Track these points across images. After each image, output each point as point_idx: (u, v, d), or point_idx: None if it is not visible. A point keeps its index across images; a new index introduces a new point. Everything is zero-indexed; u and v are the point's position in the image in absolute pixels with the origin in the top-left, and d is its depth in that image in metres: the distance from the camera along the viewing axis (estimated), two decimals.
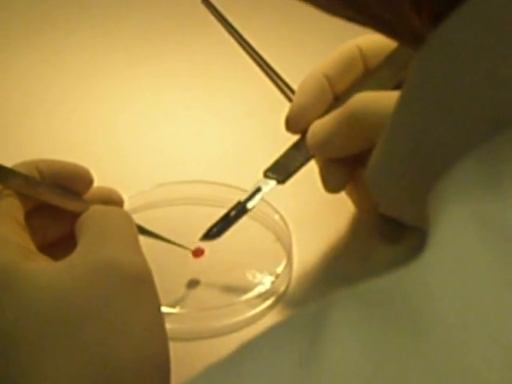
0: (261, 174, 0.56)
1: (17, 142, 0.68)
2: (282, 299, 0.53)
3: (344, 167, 0.55)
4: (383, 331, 0.21)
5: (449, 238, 0.23)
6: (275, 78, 0.75)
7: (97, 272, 0.40)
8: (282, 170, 0.56)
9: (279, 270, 0.54)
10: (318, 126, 0.54)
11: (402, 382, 0.20)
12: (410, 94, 0.30)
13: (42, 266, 0.41)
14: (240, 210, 0.55)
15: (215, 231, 0.54)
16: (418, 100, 0.29)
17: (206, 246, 0.54)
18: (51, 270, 0.40)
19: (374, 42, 0.56)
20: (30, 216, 0.45)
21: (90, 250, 0.41)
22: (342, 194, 0.57)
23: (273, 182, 0.56)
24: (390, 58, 0.55)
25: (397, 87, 0.55)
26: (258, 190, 0.55)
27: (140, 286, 0.40)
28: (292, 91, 0.72)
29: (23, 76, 0.76)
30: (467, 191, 0.24)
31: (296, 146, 0.56)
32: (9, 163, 0.46)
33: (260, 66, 0.77)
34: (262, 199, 0.56)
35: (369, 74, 0.56)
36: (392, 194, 0.34)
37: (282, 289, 0.54)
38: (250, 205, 0.55)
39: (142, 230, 0.50)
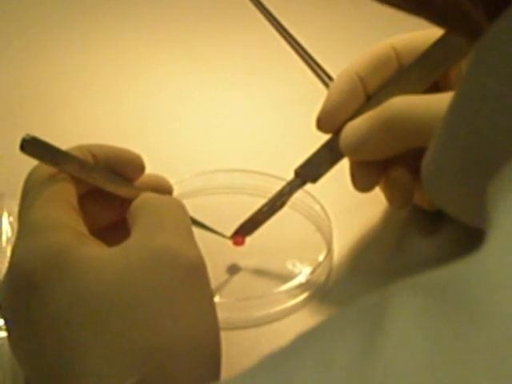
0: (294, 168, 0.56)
1: (69, 126, 0.68)
2: (321, 289, 0.53)
3: (375, 168, 0.54)
4: (444, 321, 0.21)
5: (510, 230, 0.23)
6: (314, 65, 0.74)
7: (153, 259, 0.40)
8: (313, 170, 0.55)
9: (319, 260, 0.54)
10: (352, 129, 0.54)
11: (463, 371, 0.20)
12: (467, 88, 0.30)
13: (97, 251, 0.41)
14: (271, 207, 0.55)
15: (246, 229, 0.54)
16: (477, 93, 0.29)
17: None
18: (106, 255, 0.40)
19: (408, 41, 0.56)
20: (80, 201, 0.45)
21: (146, 237, 0.41)
22: None
23: (303, 181, 0.55)
24: (423, 58, 0.54)
25: (431, 87, 0.54)
26: (290, 188, 0.55)
27: (194, 274, 0.40)
28: (331, 79, 0.72)
29: (68, 63, 0.77)
30: None
31: (328, 145, 0.55)
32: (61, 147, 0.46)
33: (299, 54, 0.77)
34: (302, 190, 0.56)
35: (401, 74, 0.55)
36: (449, 191, 0.33)
37: (322, 279, 0.53)
38: (281, 203, 0.55)
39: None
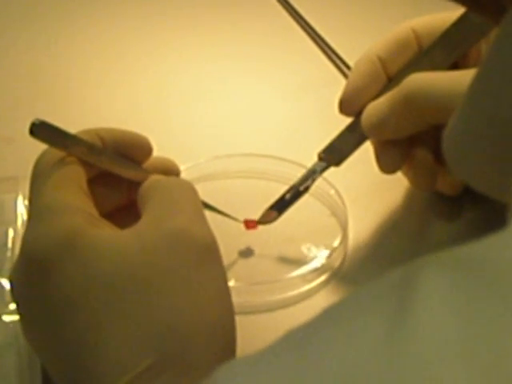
0: (315, 149, 0.56)
1: (77, 110, 0.68)
2: (336, 274, 0.53)
3: (399, 148, 0.54)
4: (473, 296, 0.21)
5: None
6: (330, 53, 0.74)
7: (166, 241, 0.40)
8: (336, 153, 0.55)
9: (334, 244, 0.54)
10: (373, 108, 0.54)
11: (493, 347, 0.20)
12: (491, 65, 0.29)
13: (109, 233, 0.41)
14: (295, 192, 0.54)
15: (271, 215, 0.54)
16: (502, 70, 0.28)
17: None
18: (118, 237, 0.40)
19: (428, 24, 0.55)
20: (89, 184, 0.45)
21: (158, 218, 0.41)
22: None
23: (327, 165, 0.55)
24: (443, 38, 0.54)
25: (450, 67, 0.54)
26: (313, 172, 0.55)
27: (208, 256, 0.40)
28: (348, 67, 0.71)
29: (82, 48, 0.77)
30: None
31: (350, 128, 0.55)
32: (70, 131, 0.45)
33: (315, 41, 0.76)
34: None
35: (422, 55, 0.55)
36: (473, 164, 0.33)
37: (337, 264, 0.53)
38: (304, 188, 0.55)
39: None
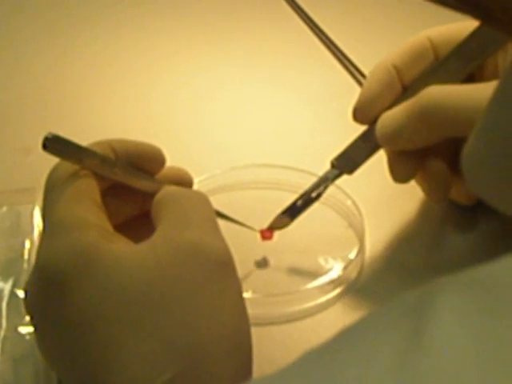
0: (330, 159, 0.55)
1: (91, 121, 0.68)
2: (353, 286, 0.52)
3: (412, 158, 0.54)
4: (489, 319, 0.21)
5: None
6: (346, 62, 0.74)
7: (181, 254, 0.39)
8: (349, 161, 0.55)
9: (351, 256, 0.53)
10: (388, 118, 0.53)
11: (510, 368, 0.20)
12: (510, 82, 0.29)
13: (124, 248, 0.41)
14: (307, 199, 0.54)
15: (282, 221, 0.54)
16: None
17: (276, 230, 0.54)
18: (134, 252, 0.40)
19: (445, 34, 0.55)
20: (102, 196, 0.45)
21: (173, 232, 0.41)
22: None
23: (340, 173, 0.55)
24: (460, 49, 0.54)
25: (466, 79, 0.54)
26: (325, 179, 0.55)
27: (224, 269, 0.40)
28: (363, 76, 0.71)
29: (92, 57, 0.77)
30: None
31: (364, 137, 0.55)
32: (82, 143, 0.46)
33: (331, 50, 0.76)
34: (333, 185, 0.56)
35: (437, 65, 0.55)
36: (491, 181, 0.33)
37: (353, 275, 0.53)
38: (316, 194, 0.54)
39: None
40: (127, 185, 0.47)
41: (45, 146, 0.43)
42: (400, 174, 0.54)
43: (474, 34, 0.53)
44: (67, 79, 0.74)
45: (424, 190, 0.56)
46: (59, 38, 0.80)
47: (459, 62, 0.54)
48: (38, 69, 0.76)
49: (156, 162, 0.48)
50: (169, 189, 0.45)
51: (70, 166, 0.44)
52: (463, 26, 0.54)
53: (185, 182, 0.49)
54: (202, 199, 0.44)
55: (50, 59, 0.77)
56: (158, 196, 0.45)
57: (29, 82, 0.74)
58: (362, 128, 0.55)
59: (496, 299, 0.21)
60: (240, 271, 0.42)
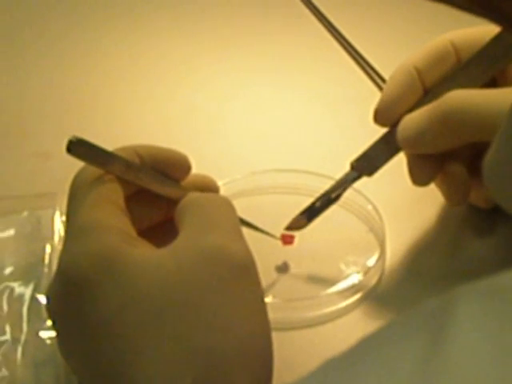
0: (350, 161, 0.55)
1: (118, 127, 0.68)
2: (374, 291, 0.52)
3: (433, 161, 0.53)
4: (509, 328, 0.20)
5: None
6: (366, 66, 0.74)
7: (203, 260, 0.39)
8: (369, 163, 0.55)
9: (372, 261, 0.53)
10: (410, 122, 0.53)
11: None
12: None
13: (146, 253, 0.40)
14: (325, 201, 0.54)
15: (300, 222, 0.54)
16: None
17: (297, 235, 0.54)
18: (156, 257, 0.40)
19: (467, 37, 0.55)
20: (127, 202, 0.45)
21: (195, 237, 0.41)
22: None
23: (359, 174, 0.55)
24: (482, 53, 0.54)
25: (488, 83, 0.53)
26: (345, 181, 0.55)
27: (245, 273, 0.40)
28: (383, 80, 0.71)
29: (111, 63, 0.77)
30: None
31: (384, 139, 0.55)
32: (108, 147, 0.46)
33: (350, 54, 0.76)
34: (354, 189, 0.56)
35: (460, 69, 0.54)
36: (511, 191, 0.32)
37: (374, 280, 0.53)
38: (335, 196, 0.54)
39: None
40: (152, 191, 0.47)
41: (69, 150, 0.43)
42: (420, 177, 0.54)
43: (497, 38, 0.53)
44: (87, 84, 0.74)
45: (443, 192, 0.56)
46: (78, 42, 0.80)
47: (481, 66, 0.54)
48: (56, 74, 0.76)
49: (181, 169, 0.48)
50: (193, 195, 0.45)
51: (94, 171, 0.44)
52: (486, 29, 0.53)
53: (210, 188, 0.49)
54: (226, 204, 0.44)
55: (69, 64, 0.77)
56: (182, 202, 0.44)
57: (48, 87, 0.74)
58: (382, 131, 0.55)
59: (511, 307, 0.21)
60: (261, 276, 0.42)
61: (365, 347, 0.23)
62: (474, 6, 0.29)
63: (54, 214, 0.55)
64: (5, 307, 0.49)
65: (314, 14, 0.82)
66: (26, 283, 0.50)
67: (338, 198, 0.54)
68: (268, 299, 0.50)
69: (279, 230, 0.54)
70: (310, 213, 0.54)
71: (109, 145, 0.46)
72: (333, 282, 0.52)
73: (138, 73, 0.76)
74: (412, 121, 0.53)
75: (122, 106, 0.71)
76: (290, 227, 0.54)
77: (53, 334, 0.46)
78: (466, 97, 0.50)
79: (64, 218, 0.52)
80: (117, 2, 0.87)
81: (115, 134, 0.65)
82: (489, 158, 0.33)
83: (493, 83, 0.54)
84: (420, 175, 0.54)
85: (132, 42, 0.80)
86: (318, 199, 0.54)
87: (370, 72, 0.73)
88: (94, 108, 0.71)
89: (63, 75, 0.76)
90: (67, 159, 0.44)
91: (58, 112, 0.71)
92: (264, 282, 0.42)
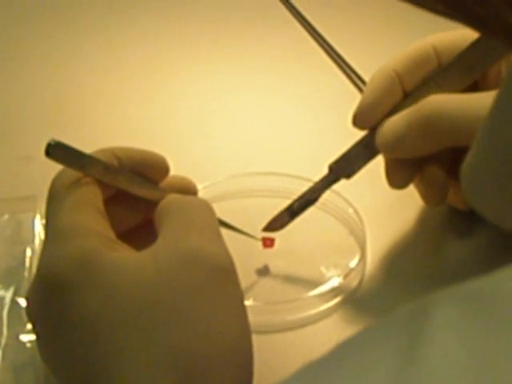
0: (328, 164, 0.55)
1: (99, 129, 0.68)
2: (355, 293, 0.52)
3: (410, 165, 0.54)
4: (487, 332, 0.21)
5: None
6: (347, 69, 0.74)
7: (181, 261, 0.39)
8: (347, 165, 0.55)
9: (352, 264, 0.53)
10: (389, 126, 0.53)
11: (507, 382, 0.19)
12: (508, 97, 0.29)
13: (126, 256, 0.41)
14: (303, 203, 0.54)
15: (277, 223, 0.54)
16: None
17: (278, 238, 0.54)
18: (135, 260, 0.40)
19: (448, 41, 0.55)
20: (106, 204, 0.45)
21: (174, 238, 0.41)
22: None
23: (338, 177, 0.55)
24: (463, 57, 0.54)
25: (470, 87, 0.54)
26: (323, 184, 0.55)
27: (224, 276, 0.40)
28: (364, 83, 0.71)
29: (93, 65, 0.77)
30: None
31: (363, 142, 0.55)
32: (88, 149, 0.46)
33: (331, 57, 0.76)
34: (334, 192, 0.56)
35: (440, 72, 0.54)
36: (490, 197, 0.32)
37: (355, 283, 0.53)
38: (313, 198, 0.54)
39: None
40: (131, 193, 0.47)
41: (48, 153, 0.43)
42: (396, 181, 0.54)
43: (478, 42, 0.53)
44: (68, 87, 0.74)
45: (420, 193, 0.56)
46: (61, 46, 0.80)
47: (462, 70, 0.54)
48: (38, 77, 0.76)
49: (160, 171, 0.48)
50: (172, 197, 0.45)
51: (73, 174, 0.44)
52: (467, 33, 0.53)
53: (189, 190, 0.49)
54: (204, 206, 0.44)
55: (51, 67, 0.77)
56: (161, 204, 0.45)
57: (30, 90, 0.74)
58: (361, 134, 0.55)
59: (494, 314, 0.21)
60: (241, 279, 0.42)
61: (340, 353, 0.23)
62: (449, 10, 0.30)
63: (34, 217, 0.55)
64: None
65: (295, 16, 0.82)
66: (6, 287, 0.50)
67: (315, 200, 0.55)
68: (248, 302, 0.50)
69: (260, 233, 0.54)
70: (288, 214, 0.54)
71: (90, 147, 0.46)
72: (313, 285, 0.52)
73: (120, 75, 0.76)
74: (391, 126, 0.53)
75: (103, 108, 0.71)
76: (267, 228, 0.54)
77: (33, 337, 0.46)
78: (445, 101, 0.50)
79: (44, 221, 0.52)
80: (99, 6, 0.87)
81: (97, 137, 0.65)
82: (466, 163, 0.33)
83: (474, 87, 0.54)
84: (397, 179, 0.54)
85: (114, 46, 0.80)
86: (295, 201, 0.55)
87: (352, 75, 0.73)
88: (75, 112, 0.71)
89: (44, 79, 0.75)
90: (48, 162, 0.44)
91: (40, 115, 0.70)
92: (244, 284, 0.42)
